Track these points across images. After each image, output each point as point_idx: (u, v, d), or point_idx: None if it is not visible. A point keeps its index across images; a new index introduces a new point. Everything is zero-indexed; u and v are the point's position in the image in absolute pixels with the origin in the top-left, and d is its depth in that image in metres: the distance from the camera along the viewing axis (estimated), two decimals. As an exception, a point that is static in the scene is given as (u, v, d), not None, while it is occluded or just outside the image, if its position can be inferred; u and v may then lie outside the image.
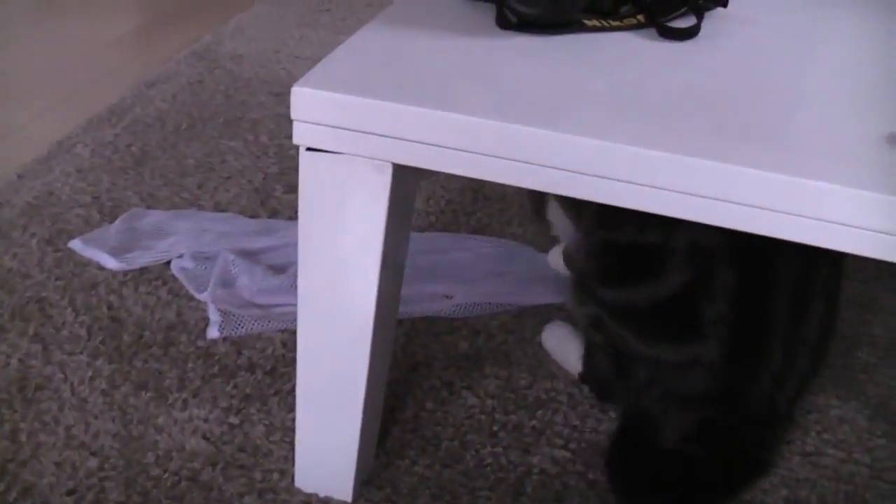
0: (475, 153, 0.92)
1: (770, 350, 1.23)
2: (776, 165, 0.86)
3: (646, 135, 0.89)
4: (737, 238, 1.15)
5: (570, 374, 1.44)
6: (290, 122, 0.95)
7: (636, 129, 0.90)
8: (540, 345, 1.51)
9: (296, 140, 0.96)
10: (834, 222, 0.86)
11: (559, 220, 1.44)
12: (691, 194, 0.88)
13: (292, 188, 1.84)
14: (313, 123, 0.95)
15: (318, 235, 1.02)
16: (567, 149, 0.89)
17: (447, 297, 1.57)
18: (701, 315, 1.21)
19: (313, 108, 0.94)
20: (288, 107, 0.95)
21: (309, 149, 0.97)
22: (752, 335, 1.22)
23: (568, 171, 0.90)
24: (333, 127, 0.95)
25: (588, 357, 1.41)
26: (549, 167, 0.90)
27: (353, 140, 0.95)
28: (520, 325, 1.55)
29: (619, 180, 0.89)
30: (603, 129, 0.89)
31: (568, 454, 1.31)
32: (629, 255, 1.27)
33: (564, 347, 1.47)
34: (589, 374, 1.42)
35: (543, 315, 1.57)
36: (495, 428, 1.34)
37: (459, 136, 0.91)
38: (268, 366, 1.41)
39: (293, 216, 1.76)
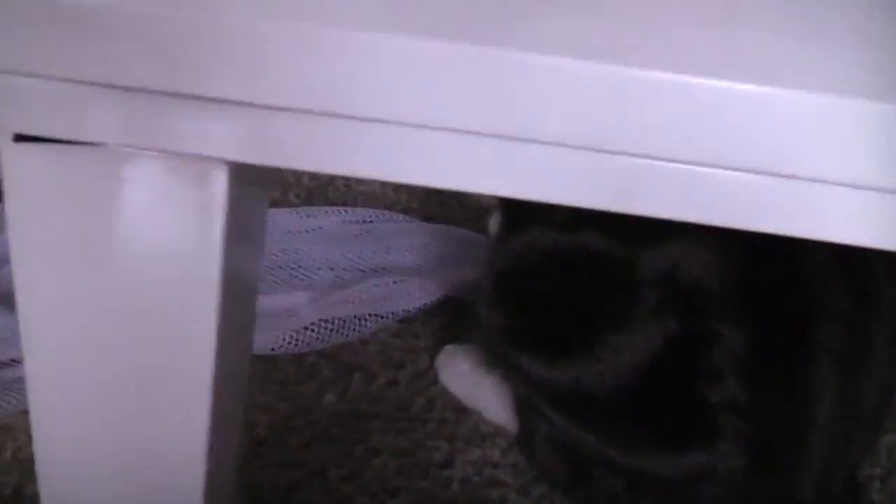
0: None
1: (813, 442, 0.80)
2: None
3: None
4: (746, 267, 0.79)
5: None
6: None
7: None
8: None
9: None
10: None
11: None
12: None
13: None
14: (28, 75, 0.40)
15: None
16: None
17: (289, 315, 1.00)
18: (703, 401, 0.78)
19: (23, 46, 0.39)
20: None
21: (20, 138, 0.42)
22: (786, 424, 0.80)
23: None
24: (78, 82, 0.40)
25: (525, 441, 0.92)
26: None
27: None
28: (413, 348, 1.01)
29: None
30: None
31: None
32: (564, 286, 0.82)
33: (475, 391, 0.97)
34: (531, 463, 0.92)
35: (444, 324, 1.03)
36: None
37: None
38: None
39: None
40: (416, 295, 1.05)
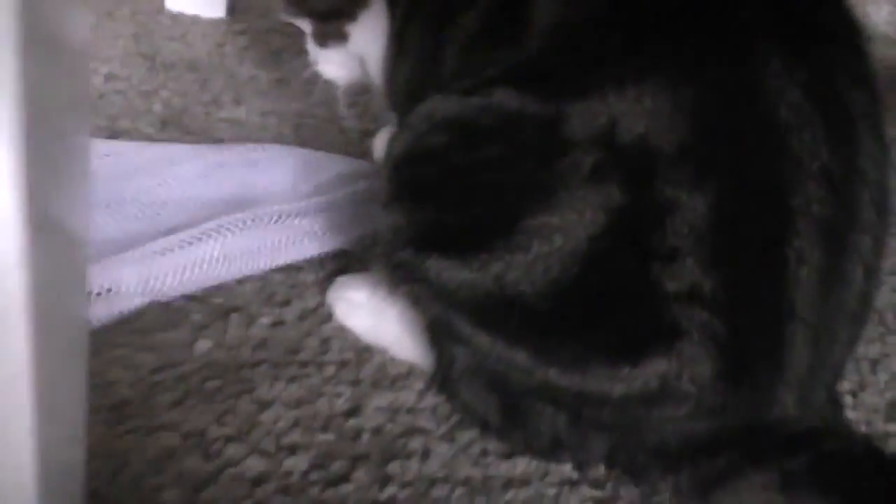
0: None
1: (793, 339, 0.63)
2: None
3: None
4: (700, 114, 0.63)
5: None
6: None
7: None
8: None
9: None
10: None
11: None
12: None
13: None
14: None
15: None
16: None
17: (107, 289, 0.80)
18: (659, 291, 0.62)
19: None
20: None
21: None
22: (761, 316, 0.63)
23: None
24: None
25: (444, 377, 0.75)
26: None
27: None
28: (299, 283, 0.85)
29: None
30: None
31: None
32: (472, 162, 0.67)
33: (378, 324, 0.80)
34: (454, 403, 0.76)
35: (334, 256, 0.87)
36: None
37: None
38: None
39: None
40: (287, 248, 0.87)
